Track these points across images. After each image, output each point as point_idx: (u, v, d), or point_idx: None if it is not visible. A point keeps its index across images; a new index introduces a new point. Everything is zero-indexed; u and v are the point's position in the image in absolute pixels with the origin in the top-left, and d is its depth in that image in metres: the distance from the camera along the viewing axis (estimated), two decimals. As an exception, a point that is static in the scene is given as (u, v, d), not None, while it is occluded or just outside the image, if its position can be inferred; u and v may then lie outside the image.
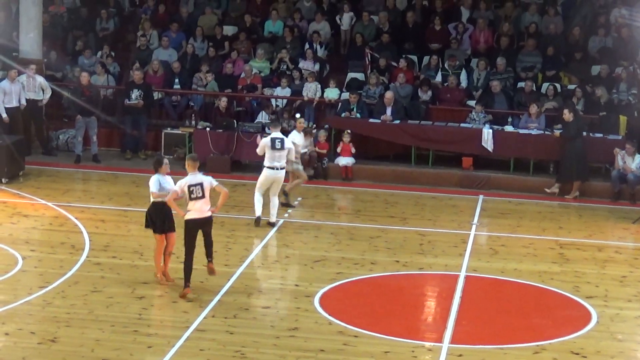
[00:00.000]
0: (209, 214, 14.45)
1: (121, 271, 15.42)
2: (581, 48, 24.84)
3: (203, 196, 14.33)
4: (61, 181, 21.22)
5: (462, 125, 22.68)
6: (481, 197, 21.08)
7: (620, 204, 20.89)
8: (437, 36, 25.62)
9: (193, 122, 23.39)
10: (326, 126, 23.04)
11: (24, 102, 22.75)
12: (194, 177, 14.40)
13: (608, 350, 13.13)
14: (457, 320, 13.89)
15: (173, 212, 14.74)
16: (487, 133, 22.06)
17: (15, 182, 20.75)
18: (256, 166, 21.41)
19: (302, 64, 25.07)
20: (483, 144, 22.04)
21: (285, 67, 25.09)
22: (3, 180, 20.62)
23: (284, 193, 19.24)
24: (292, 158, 18.60)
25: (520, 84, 24.03)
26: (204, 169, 18.46)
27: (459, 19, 26.13)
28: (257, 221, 18.12)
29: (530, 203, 20.77)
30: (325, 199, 20.85)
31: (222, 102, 23.37)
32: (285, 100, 24.19)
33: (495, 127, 22.41)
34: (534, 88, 23.73)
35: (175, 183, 14.72)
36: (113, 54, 25.94)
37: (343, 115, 23.04)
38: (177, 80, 24.69)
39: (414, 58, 25.25)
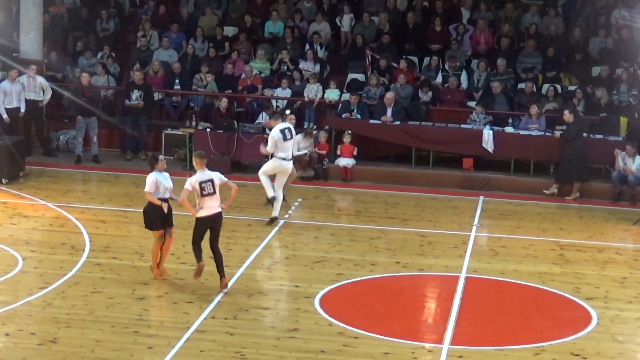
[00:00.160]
0: (219, 209, 14.52)
1: (121, 272, 15.42)
2: (581, 49, 24.84)
3: (214, 192, 14.45)
4: (61, 182, 21.21)
5: (463, 126, 22.68)
6: (481, 198, 21.07)
7: (621, 205, 20.88)
8: (437, 37, 25.62)
9: (193, 123, 23.39)
10: (326, 127, 23.04)
11: (23, 108, 22.69)
12: (203, 173, 14.47)
13: (608, 351, 13.13)
14: (458, 322, 13.89)
15: (173, 209, 14.75)
16: (487, 134, 22.05)
17: (16, 182, 20.75)
18: (256, 167, 21.35)
19: (303, 65, 25.07)
20: (483, 145, 22.03)
21: (285, 68, 25.09)
22: (3, 180, 20.62)
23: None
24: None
25: (521, 85, 24.03)
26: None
27: (460, 20, 26.13)
28: (271, 200, 18.16)
29: (530, 204, 20.76)
30: (325, 200, 20.85)
31: (223, 103, 23.37)
32: (285, 101, 24.18)
33: (496, 128, 22.40)
34: (535, 89, 23.72)
35: (172, 180, 14.83)
36: (113, 54, 25.94)
37: (343, 116, 23.03)
38: (177, 81, 24.68)
39: (415, 59, 25.25)
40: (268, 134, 18.90)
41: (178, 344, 12.70)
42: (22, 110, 22.65)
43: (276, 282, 15.46)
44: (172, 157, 23.21)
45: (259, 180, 19.96)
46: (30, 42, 23.93)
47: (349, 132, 22.47)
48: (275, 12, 26.63)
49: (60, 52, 25.81)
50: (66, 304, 13.98)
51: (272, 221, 18.21)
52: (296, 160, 19.59)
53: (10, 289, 14.57)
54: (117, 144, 24.00)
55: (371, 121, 22.82)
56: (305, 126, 23.30)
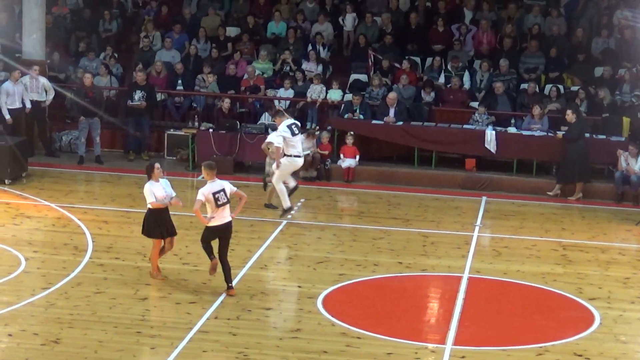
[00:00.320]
0: (229, 218, 14.54)
1: (124, 272, 15.42)
2: (584, 49, 24.83)
3: (228, 202, 14.46)
4: (64, 182, 21.21)
5: (465, 126, 22.67)
6: (484, 198, 21.05)
7: (624, 205, 20.86)
8: (440, 37, 25.61)
9: (196, 124, 23.39)
10: (329, 127, 23.03)
11: (28, 104, 22.75)
12: (214, 183, 14.45)
13: (611, 352, 13.12)
14: (460, 322, 13.89)
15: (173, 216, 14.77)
16: (490, 134, 22.04)
17: (18, 183, 20.75)
18: (259, 167, 21.47)
19: (305, 65, 25.06)
20: (486, 145, 22.02)
21: (288, 68, 25.09)
22: (6, 181, 20.63)
23: (264, 186, 19.41)
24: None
25: (523, 86, 24.02)
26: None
27: (462, 21, 26.13)
28: (289, 210, 18.22)
29: (533, 204, 20.75)
30: (327, 201, 20.84)
31: (225, 104, 23.37)
32: (288, 102, 24.18)
33: (498, 128, 22.39)
34: (537, 89, 23.71)
35: (172, 185, 14.90)
36: (116, 55, 25.93)
37: (346, 116, 23.03)
38: (180, 82, 24.69)
39: (417, 59, 25.24)
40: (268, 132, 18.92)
41: (181, 345, 12.70)
42: (28, 106, 22.66)
43: (279, 283, 15.45)
44: (174, 158, 23.24)
45: (261, 180, 20.03)
46: (33, 42, 23.93)
47: (352, 133, 22.45)
48: (278, 12, 26.64)
49: (62, 53, 25.80)
50: (69, 304, 13.98)
51: (287, 212, 18.23)
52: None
53: (13, 289, 14.58)
54: (120, 145, 24.00)
55: (374, 122, 22.82)
56: (308, 127, 23.28)
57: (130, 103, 23.23)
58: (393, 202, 20.59)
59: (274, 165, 18.70)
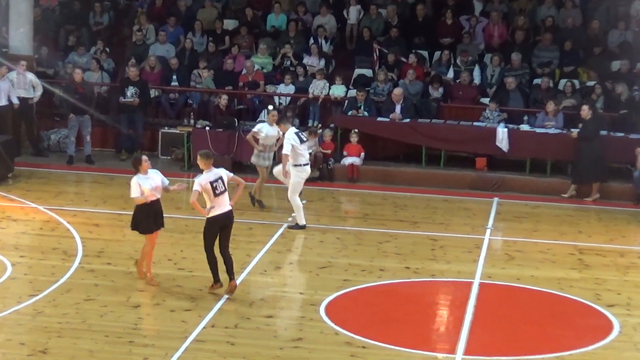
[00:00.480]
0: (229, 207, 14.58)
1: (116, 278, 15.39)
2: (600, 42, 24.81)
3: (225, 190, 14.55)
4: (53, 183, 21.21)
5: (475, 124, 22.65)
6: (496, 199, 21.04)
7: (643, 206, 20.87)
8: (448, 30, 25.58)
9: (191, 121, 23.39)
10: (332, 125, 23.02)
11: (15, 100, 22.73)
12: (211, 172, 14.54)
13: (631, 361, 13.09)
14: (471, 330, 13.86)
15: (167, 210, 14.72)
16: (501, 132, 22.02)
17: (4, 184, 20.75)
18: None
19: (307, 60, 25.06)
20: (497, 143, 22.00)
21: (288, 63, 25.08)
22: (-8, 182, 20.65)
23: (251, 200, 19.35)
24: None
25: (537, 81, 24.00)
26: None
27: (472, 12, 26.14)
28: (302, 227, 18.30)
29: (547, 206, 20.73)
30: (331, 202, 20.82)
31: (223, 100, 23.36)
32: (288, 98, 24.15)
33: (511, 125, 22.38)
34: (551, 85, 23.69)
35: (160, 176, 14.91)
36: (107, 49, 25.94)
37: (350, 113, 23.01)
38: (174, 77, 24.69)
39: (425, 53, 25.24)
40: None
41: (175, 355, 12.67)
42: (16, 102, 22.64)
43: (279, 289, 15.42)
44: (169, 158, 23.22)
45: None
46: (20, 36, 23.97)
47: (356, 131, 22.42)
48: (278, 4, 26.63)
49: (51, 47, 25.83)
50: (57, 312, 13.95)
51: (300, 228, 18.30)
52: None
53: (-1, 296, 14.56)
54: (112, 144, 24.03)
55: (379, 119, 22.81)
56: (310, 124, 23.27)
57: (123, 100, 23.21)
58: (399, 204, 20.57)
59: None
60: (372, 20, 25.94)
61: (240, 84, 24.53)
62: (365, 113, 22.92)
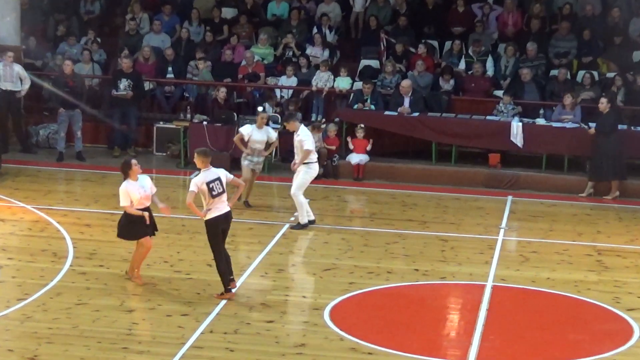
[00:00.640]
0: (228, 208, 14.63)
1: (109, 281, 15.42)
2: (621, 32, 24.82)
3: (223, 191, 14.57)
4: (42, 181, 21.25)
5: (489, 118, 22.69)
6: (510, 198, 21.07)
7: (666, 205, 20.92)
8: (460, 19, 25.63)
9: (188, 115, 23.42)
10: (336, 119, 23.05)
11: (1, 95, 22.75)
12: (209, 172, 14.55)
13: (652, 368, 13.14)
14: (484, 336, 13.88)
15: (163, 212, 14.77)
16: (516, 127, 22.05)
17: (-9, 182, 20.83)
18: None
19: (310, 50, 25.10)
20: (512, 138, 22.03)
21: (290, 53, 25.12)
22: (-23, 180, 20.71)
23: (244, 203, 19.46)
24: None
25: (553, 72, 24.04)
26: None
27: (485, 0, 26.12)
28: (304, 226, 18.32)
29: (564, 204, 20.77)
30: (335, 201, 20.86)
31: (221, 93, 23.38)
32: (291, 91, 24.20)
33: (526, 120, 22.42)
34: (569, 76, 23.73)
35: (151, 181, 14.98)
36: (99, 39, 26.00)
37: (355, 107, 23.05)
38: (170, 69, 24.73)
39: (435, 43, 25.29)
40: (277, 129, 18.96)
41: (172, 362, 12.72)
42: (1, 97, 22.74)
43: (281, 293, 15.45)
44: (164, 154, 23.27)
45: (261, 179, 20.01)
46: (7, 26, 23.99)
47: (362, 125, 22.47)
48: (279, -9, 26.70)
49: (39, 38, 25.88)
50: (47, 317, 13.98)
51: (302, 227, 18.35)
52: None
53: (-14, 300, 14.61)
54: (104, 139, 24.07)
55: (386, 113, 22.85)
56: (313, 119, 23.32)
57: (115, 93, 23.27)
58: (408, 203, 20.61)
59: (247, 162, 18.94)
60: (379, 8, 25.98)
61: (240, 76, 24.58)
62: (372, 107, 22.96)
